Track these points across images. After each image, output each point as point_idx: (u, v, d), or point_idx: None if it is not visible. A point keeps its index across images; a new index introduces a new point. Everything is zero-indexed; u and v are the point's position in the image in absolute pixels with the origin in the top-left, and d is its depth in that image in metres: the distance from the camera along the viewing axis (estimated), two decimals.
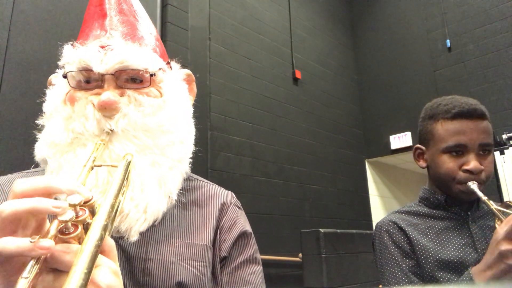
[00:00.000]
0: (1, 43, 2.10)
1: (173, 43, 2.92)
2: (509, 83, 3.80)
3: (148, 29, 0.74)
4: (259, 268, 0.73)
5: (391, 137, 4.55)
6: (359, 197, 4.52)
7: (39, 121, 0.69)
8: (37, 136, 0.68)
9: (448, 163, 0.99)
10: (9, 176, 0.71)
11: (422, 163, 1.10)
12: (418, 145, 1.11)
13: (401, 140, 4.45)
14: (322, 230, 2.57)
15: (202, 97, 3.01)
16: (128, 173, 0.60)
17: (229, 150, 3.21)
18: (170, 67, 0.77)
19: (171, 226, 0.67)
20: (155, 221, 0.63)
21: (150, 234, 0.64)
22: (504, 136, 3.44)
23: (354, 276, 2.67)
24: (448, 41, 4.22)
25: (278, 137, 3.68)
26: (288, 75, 3.99)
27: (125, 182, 0.60)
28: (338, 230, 2.75)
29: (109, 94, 0.63)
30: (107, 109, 0.63)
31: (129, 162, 0.57)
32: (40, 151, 0.66)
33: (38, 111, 0.70)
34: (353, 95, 4.89)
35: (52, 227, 0.41)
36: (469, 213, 1.04)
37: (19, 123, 2.06)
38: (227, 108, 3.28)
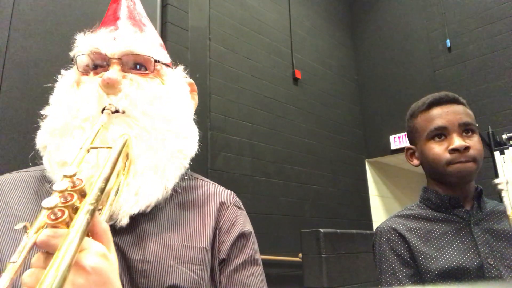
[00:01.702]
0: (1, 43, 2.10)
1: (173, 43, 2.92)
2: (509, 83, 3.80)
3: (155, 36, 0.79)
4: (259, 269, 0.72)
5: (391, 137, 4.56)
6: (359, 197, 4.52)
7: (44, 112, 0.69)
8: (40, 124, 0.68)
9: (433, 148, 1.02)
10: (6, 175, 0.70)
11: (415, 162, 1.12)
12: (408, 146, 1.14)
13: (401, 140, 4.45)
14: (322, 230, 2.57)
15: (202, 97, 2.99)
16: (127, 153, 0.61)
17: (229, 150, 3.21)
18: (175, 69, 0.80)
19: (170, 227, 0.66)
20: (147, 207, 0.63)
21: (148, 235, 0.63)
22: (504, 136, 3.44)
23: (354, 276, 2.68)
24: (448, 41, 4.22)
25: (278, 137, 3.68)
26: (288, 75, 3.99)
27: (126, 163, 0.62)
28: (338, 230, 2.75)
29: (113, 71, 0.66)
30: (109, 85, 0.65)
31: (125, 143, 0.58)
32: (40, 138, 0.67)
33: (38, 111, 0.70)
34: (353, 95, 4.89)
35: (41, 216, 0.42)
36: (470, 213, 1.02)
37: (19, 123, 2.06)
38: (227, 108, 3.28)
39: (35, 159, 0.69)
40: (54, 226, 0.41)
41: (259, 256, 0.74)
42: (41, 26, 2.26)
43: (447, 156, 0.99)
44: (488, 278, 0.92)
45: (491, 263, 0.94)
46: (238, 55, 3.51)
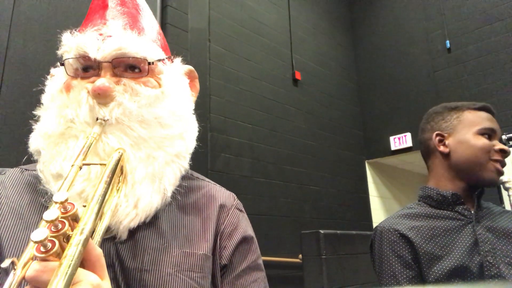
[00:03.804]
0: (2, 44, 2.10)
1: (173, 45, 2.92)
2: (509, 84, 3.80)
3: (150, 23, 0.73)
4: (262, 275, 0.70)
5: (391, 138, 4.55)
6: (359, 198, 4.51)
7: (36, 112, 0.67)
8: (33, 127, 0.66)
9: (485, 141, 1.08)
10: (6, 171, 0.69)
11: (444, 148, 1.13)
12: (439, 132, 1.16)
13: (401, 140, 4.45)
14: (322, 231, 2.57)
15: (202, 98, 3.01)
16: (123, 168, 0.58)
17: (229, 151, 3.21)
18: (172, 61, 0.75)
19: (170, 233, 0.64)
20: (147, 218, 0.60)
21: (147, 242, 0.61)
22: (504, 137, 3.44)
23: (354, 277, 2.67)
24: (447, 42, 4.23)
25: (278, 138, 3.68)
26: (288, 76, 3.99)
27: (120, 178, 0.59)
28: (338, 231, 2.75)
29: (104, 80, 0.62)
30: (101, 96, 0.61)
31: (119, 158, 0.56)
32: (34, 141, 0.64)
33: (39, 113, 0.69)
34: (353, 96, 4.90)
35: (29, 248, 0.40)
36: (472, 211, 1.04)
37: (19, 124, 2.06)
38: (227, 109, 3.28)
39: (29, 162, 0.67)
40: (44, 260, 0.38)
41: (261, 261, 0.72)
42: (41, 27, 2.27)
43: (493, 153, 1.06)
44: (487, 276, 0.93)
45: (491, 261, 0.95)
46: (238, 57, 3.51)
